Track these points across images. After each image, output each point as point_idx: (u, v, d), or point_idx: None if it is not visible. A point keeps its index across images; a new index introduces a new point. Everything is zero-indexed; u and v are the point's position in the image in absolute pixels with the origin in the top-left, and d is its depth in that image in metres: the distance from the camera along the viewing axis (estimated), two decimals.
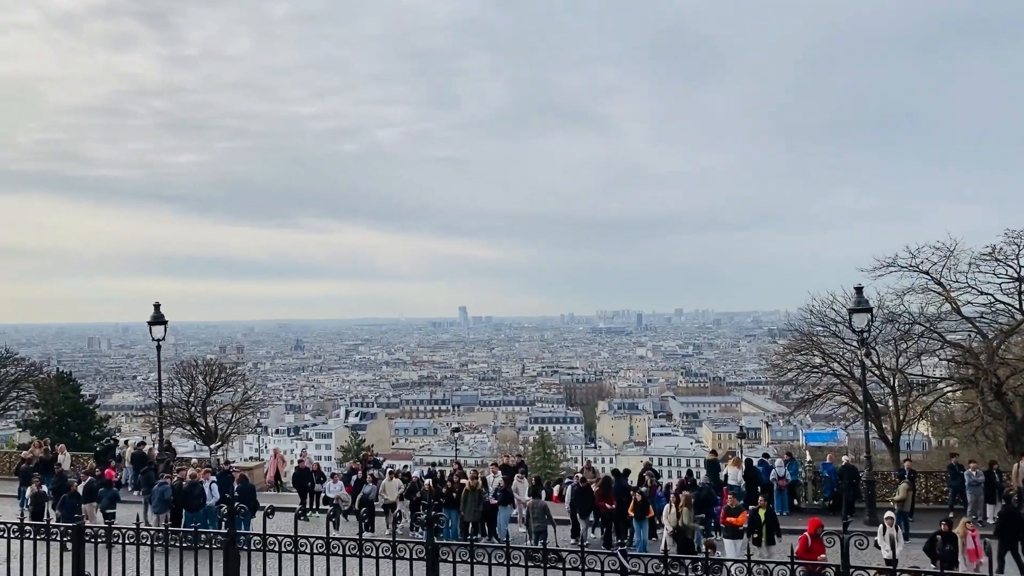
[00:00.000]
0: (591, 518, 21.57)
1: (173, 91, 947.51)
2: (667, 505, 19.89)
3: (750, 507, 19.27)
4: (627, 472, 24.79)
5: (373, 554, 9.73)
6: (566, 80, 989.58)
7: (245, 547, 10.40)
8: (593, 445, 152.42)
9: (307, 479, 25.67)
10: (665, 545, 18.28)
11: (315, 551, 9.80)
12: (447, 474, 24.62)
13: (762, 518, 18.35)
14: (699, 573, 9.24)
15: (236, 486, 22.29)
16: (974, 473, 23.55)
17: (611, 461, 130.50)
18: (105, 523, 10.95)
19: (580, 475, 23.67)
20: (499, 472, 24.00)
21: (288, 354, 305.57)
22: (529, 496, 21.55)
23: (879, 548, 16.60)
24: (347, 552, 9.74)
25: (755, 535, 17.65)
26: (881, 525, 17.30)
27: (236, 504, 11.25)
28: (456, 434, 71.10)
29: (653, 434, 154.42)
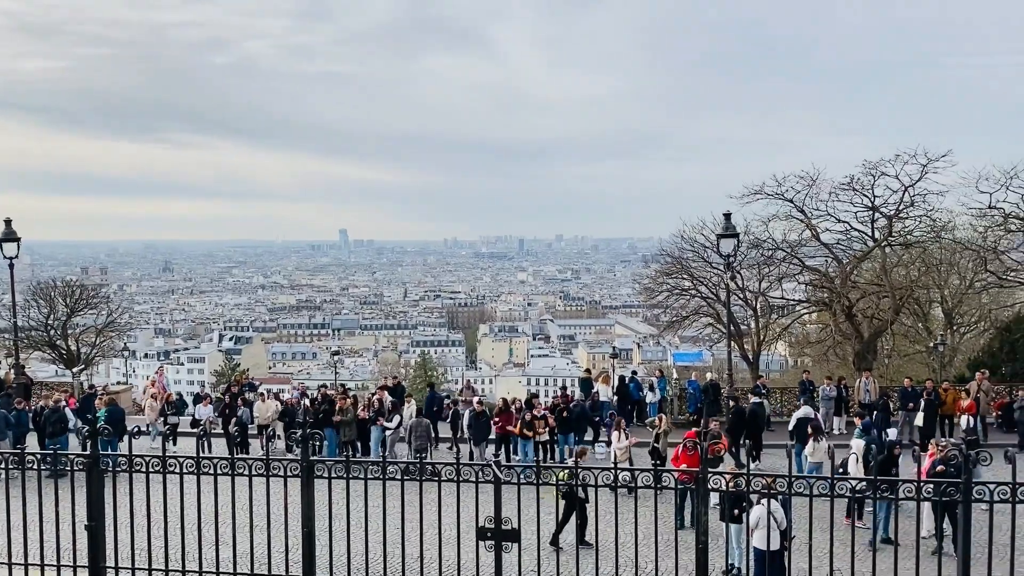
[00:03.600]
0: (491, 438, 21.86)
1: None
2: (613, 432, 19.82)
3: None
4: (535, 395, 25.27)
5: (246, 472, 9.61)
6: None
7: (109, 469, 10.07)
8: (474, 367, 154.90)
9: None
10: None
11: (184, 471, 9.59)
12: (326, 396, 24.50)
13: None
14: (570, 482, 9.63)
15: (104, 410, 21.45)
16: (828, 388, 25.30)
17: (491, 382, 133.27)
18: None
19: (472, 398, 24.08)
20: (386, 394, 24.09)
21: (156, 276, 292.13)
22: (412, 415, 21.82)
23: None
24: (218, 471, 9.58)
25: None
26: (853, 456, 16.48)
27: (99, 426, 10.80)
28: (336, 358, 70.29)
29: (532, 355, 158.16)
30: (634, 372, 29.87)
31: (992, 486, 8.37)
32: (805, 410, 20.66)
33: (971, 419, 21.84)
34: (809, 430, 18.26)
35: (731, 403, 23.17)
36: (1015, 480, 8.24)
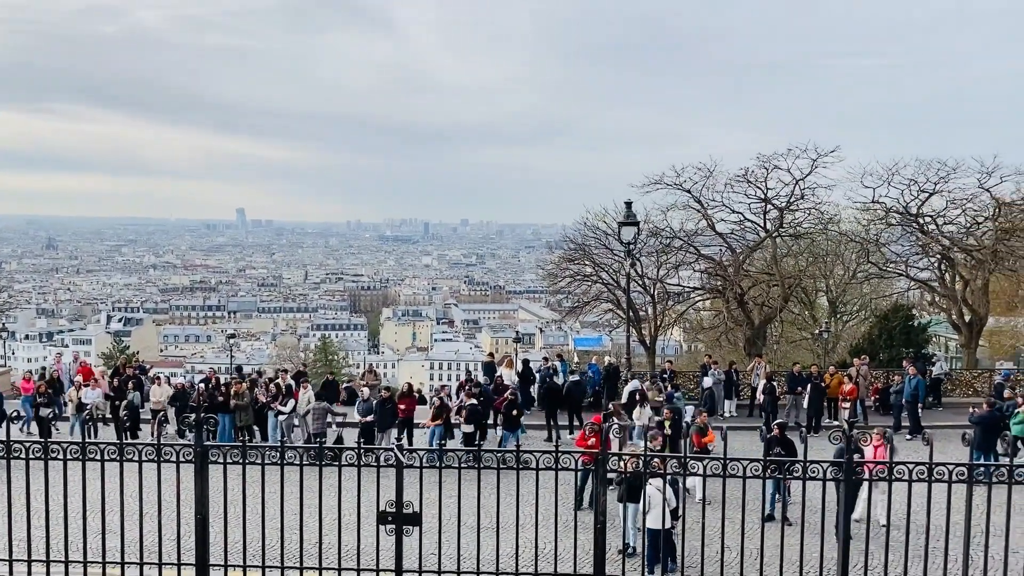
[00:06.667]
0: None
1: None
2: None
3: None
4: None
5: (135, 458, 9.25)
6: None
7: None
8: (376, 351, 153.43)
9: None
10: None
11: (69, 457, 9.16)
12: (221, 380, 23.82)
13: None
14: (471, 464, 9.64)
15: None
16: (715, 372, 26.15)
17: (394, 366, 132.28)
18: None
19: (375, 383, 23.73)
20: (288, 376, 23.60)
21: (39, 254, 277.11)
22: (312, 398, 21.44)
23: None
24: (106, 457, 9.19)
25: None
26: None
27: None
28: (231, 341, 68.37)
29: (435, 340, 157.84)
30: (545, 358, 29.98)
31: (872, 465, 8.87)
32: (634, 383, 22.62)
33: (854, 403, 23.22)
34: (636, 397, 20.24)
35: (546, 380, 24.56)
36: (892, 459, 8.76)
